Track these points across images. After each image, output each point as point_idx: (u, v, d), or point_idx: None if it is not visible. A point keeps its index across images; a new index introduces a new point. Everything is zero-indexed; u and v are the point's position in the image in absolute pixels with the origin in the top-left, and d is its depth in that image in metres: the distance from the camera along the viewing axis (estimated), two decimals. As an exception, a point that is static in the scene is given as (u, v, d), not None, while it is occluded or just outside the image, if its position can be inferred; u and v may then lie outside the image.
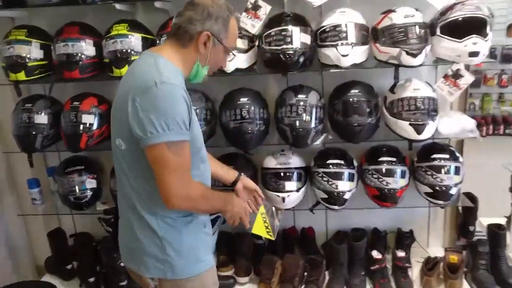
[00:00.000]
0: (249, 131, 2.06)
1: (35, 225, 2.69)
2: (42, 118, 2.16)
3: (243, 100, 2.10)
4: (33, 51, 2.09)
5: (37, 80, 2.14)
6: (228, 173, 1.73)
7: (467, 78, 1.93)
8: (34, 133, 2.15)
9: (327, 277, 2.31)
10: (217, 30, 1.37)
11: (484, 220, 2.58)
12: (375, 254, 2.29)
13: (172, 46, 1.38)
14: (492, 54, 2.31)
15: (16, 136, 2.18)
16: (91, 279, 2.33)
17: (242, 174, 1.77)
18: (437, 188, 2.09)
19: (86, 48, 2.06)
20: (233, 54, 1.51)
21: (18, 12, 2.25)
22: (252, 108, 2.08)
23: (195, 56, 1.38)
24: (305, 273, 2.30)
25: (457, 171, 2.11)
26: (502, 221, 2.45)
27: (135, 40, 2.02)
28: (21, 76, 2.07)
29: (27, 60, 2.07)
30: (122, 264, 2.10)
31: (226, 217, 1.55)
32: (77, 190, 2.23)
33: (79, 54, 2.04)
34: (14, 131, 2.19)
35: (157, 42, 2.06)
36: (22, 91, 2.22)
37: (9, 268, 2.60)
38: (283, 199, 2.16)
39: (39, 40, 2.12)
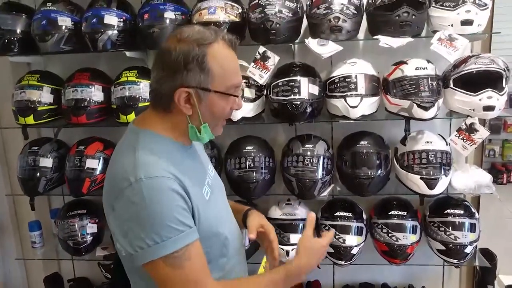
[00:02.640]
0: (254, 180, 2.01)
1: (34, 269, 2.64)
2: (47, 162, 2.16)
3: (249, 148, 2.06)
4: (43, 96, 2.11)
5: (45, 124, 2.15)
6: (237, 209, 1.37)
7: (482, 133, 1.86)
8: (38, 176, 2.14)
9: (333, 336, 2.18)
10: (194, 79, 1.03)
11: (504, 278, 2.44)
12: (385, 312, 2.17)
13: (156, 113, 1.10)
14: (511, 101, 2.24)
15: (20, 179, 2.18)
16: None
17: (253, 208, 1.39)
18: (451, 246, 1.98)
19: (94, 93, 2.07)
20: (236, 96, 1.12)
21: (34, 57, 2.29)
22: (258, 156, 2.04)
23: (185, 119, 1.08)
24: (310, 331, 2.18)
25: (472, 228, 2.00)
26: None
27: (143, 87, 2.02)
28: (30, 120, 2.08)
29: (37, 105, 2.09)
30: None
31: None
32: (78, 235, 2.18)
33: (87, 100, 2.06)
34: (18, 174, 2.19)
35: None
36: (33, 134, 2.25)
37: (6, 312, 2.55)
38: (287, 252, 2.06)
39: (51, 85, 2.15)
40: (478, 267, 2.32)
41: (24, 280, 2.67)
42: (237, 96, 1.13)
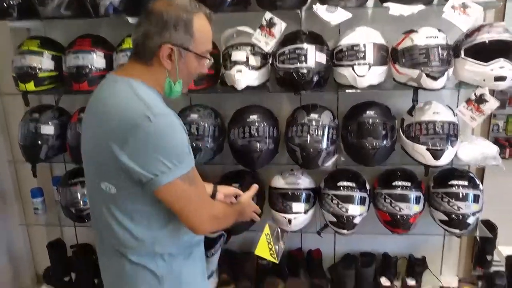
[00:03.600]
0: (257, 150, 1.99)
1: (37, 235, 2.65)
2: (48, 129, 2.13)
3: (253, 117, 2.03)
4: (44, 62, 2.06)
5: (46, 91, 2.11)
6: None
7: (492, 104, 1.82)
8: (39, 143, 2.12)
9: (332, 302, 2.22)
10: (179, 39, 1.19)
11: (503, 249, 2.47)
12: (384, 281, 2.21)
13: (139, 65, 1.23)
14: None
15: (22, 146, 2.16)
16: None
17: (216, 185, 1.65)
18: (454, 216, 1.98)
19: (96, 60, 2.03)
20: (209, 59, 1.31)
21: (33, 23, 2.22)
22: (262, 126, 2.01)
23: (164, 72, 1.23)
24: (309, 299, 2.22)
25: (476, 199, 2.00)
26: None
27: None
28: (30, 86, 2.04)
29: (37, 71, 2.04)
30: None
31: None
32: (79, 202, 2.17)
33: (89, 66, 2.01)
34: (20, 141, 2.17)
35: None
36: (33, 101, 2.21)
37: (10, 276, 2.57)
38: (289, 221, 2.07)
39: (51, 51, 2.09)
40: (478, 238, 2.34)
41: (27, 246, 2.70)
42: (209, 60, 1.31)
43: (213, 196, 1.60)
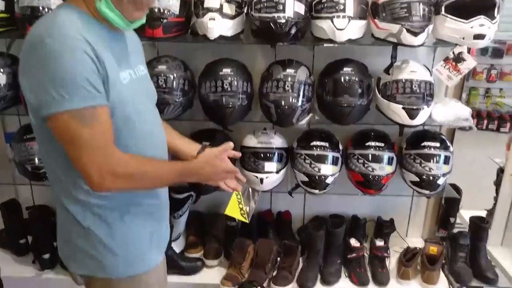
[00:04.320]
0: (230, 105, 1.89)
1: (-12, 195, 2.46)
2: (-1, 78, 1.93)
3: (226, 71, 1.92)
4: (-8, 2, 1.84)
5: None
6: (188, 146, 1.44)
7: (470, 62, 1.81)
8: (-12, 93, 1.92)
9: (301, 264, 2.20)
10: None
11: (465, 212, 2.54)
12: (353, 242, 2.20)
13: None
14: (483, 49, 2.21)
15: (-31, 97, 1.95)
16: (46, 256, 2.14)
17: (208, 144, 1.48)
18: (424, 177, 1.99)
19: (53, 1, 1.81)
20: None
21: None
22: (235, 80, 1.90)
23: None
24: (278, 259, 2.19)
25: (446, 160, 2.01)
26: (483, 214, 2.42)
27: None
28: (-23, 28, 1.83)
29: (-16, 12, 1.82)
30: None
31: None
32: (36, 159, 2.02)
33: (45, 8, 1.80)
34: (-34, 91, 1.95)
35: None
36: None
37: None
38: (261, 180, 2.01)
39: (0, -11, 1.87)
40: (443, 201, 2.39)
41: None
42: None
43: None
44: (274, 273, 2.12)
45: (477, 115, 2.40)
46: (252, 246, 2.16)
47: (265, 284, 2.03)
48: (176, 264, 2.08)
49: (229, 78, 1.90)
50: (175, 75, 1.92)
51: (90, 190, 1.11)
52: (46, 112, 1.01)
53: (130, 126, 1.15)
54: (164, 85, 1.88)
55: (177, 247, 2.21)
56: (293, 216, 2.42)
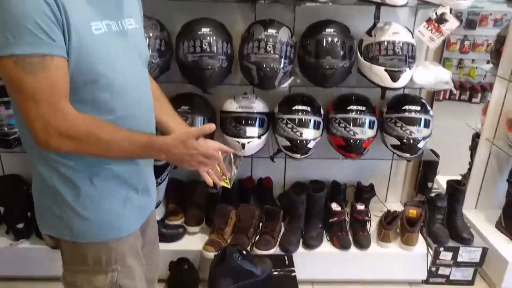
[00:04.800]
0: (209, 67, 1.82)
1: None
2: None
3: (205, 30, 1.84)
4: None
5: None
6: (177, 124, 1.32)
7: (452, 23, 1.79)
8: None
9: (283, 229, 2.20)
10: None
11: (441, 178, 2.59)
12: (335, 206, 2.21)
13: None
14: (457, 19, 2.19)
15: None
16: (20, 225, 2.07)
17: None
18: (405, 140, 2.00)
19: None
20: None
21: None
22: (215, 40, 1.83)
23: None
24: (260, 224, 2.18)
25: (426, 124, 2.02)
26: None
27: None
28: None
29: None
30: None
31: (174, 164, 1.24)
32: (4, 125, 1.91)
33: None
34: None
35: None
36: None
37: None
38: (243, 145, 1.98)
39: None
40: (421, 167, 2.42)
41: None
42: None
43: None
44: (257, 238, 2.12)
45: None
46: (234, 212, 2.14)
47: (248, 248, 2.02)
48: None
49: (208, 38, 1.83)
50: (151, 34, 1.83)
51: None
52: None
53: (101, 87, 1.03)
54: (140, 46, 1.79)
55: (157, 215, 2.15)
56: (273, 183, 2.41)
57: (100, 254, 1.14)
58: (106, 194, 1.13)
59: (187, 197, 2.27)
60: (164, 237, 2.07)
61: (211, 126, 1.16)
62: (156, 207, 2.17)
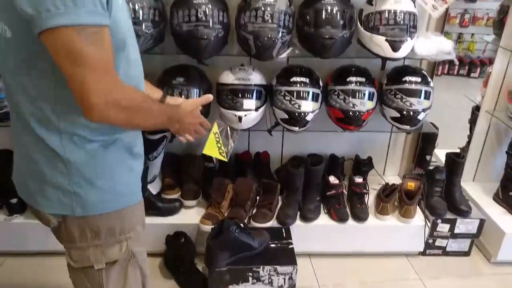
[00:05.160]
0: (205, 37, 1.77)
1: None
2: None
3: (200, -2, 1.78)
4: None
5: None
6: (151, 93, 1.35)
7: (456, -9, 1.74)
8: None
9: (280, 202, 2.19)
10: None
11: (439, 151, 2.58)
12: (332, 179, 2.20)
13: None
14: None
15: None
16: (14, 200, 2.04)
17: (169, 95, 1.46)
18: (405, 112, 1.96)
19: None
20: None
21: None
22: (211, 9, 1.77)
23: None
24: (258, 198, 2.17)
25: (427, 95, 1.99)
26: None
27: None
28: None
29: None
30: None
31: (175, 133, 1.28)
32: (-5, 98, 1.87)
33: None
34: None
35: None
36: None
37: None
38: (240, 118, 1.94)
39: None
40: (420, 140, 2.40)
41: None
42: None
43: (162, 102, 1.37)
44: (254, 211, 2.11)
45: (449, 60, 2.35)
46: (231, 186, 2.12)
47: (245, 221, 2.02)
48: (153, 205, 2.03)
49: (203, 7, 1.76)
50: (144, 4, 1.76)
51: (71, 117, 1.00)
52: (45, 25, 0.85)
53: (124, 56, 1.04)
54: (132, 15, 1.73)
55: (153, 189, 2.15)
56: (271, 157, 2.38)
57: (114, 225, 1.12)
58: (119, 163, 1.12)
59: (183, 171, 2.25)
60: (161, 211, 2.06)
61: (210, 96, 1.30)
62: (152, 181, 2.17)
